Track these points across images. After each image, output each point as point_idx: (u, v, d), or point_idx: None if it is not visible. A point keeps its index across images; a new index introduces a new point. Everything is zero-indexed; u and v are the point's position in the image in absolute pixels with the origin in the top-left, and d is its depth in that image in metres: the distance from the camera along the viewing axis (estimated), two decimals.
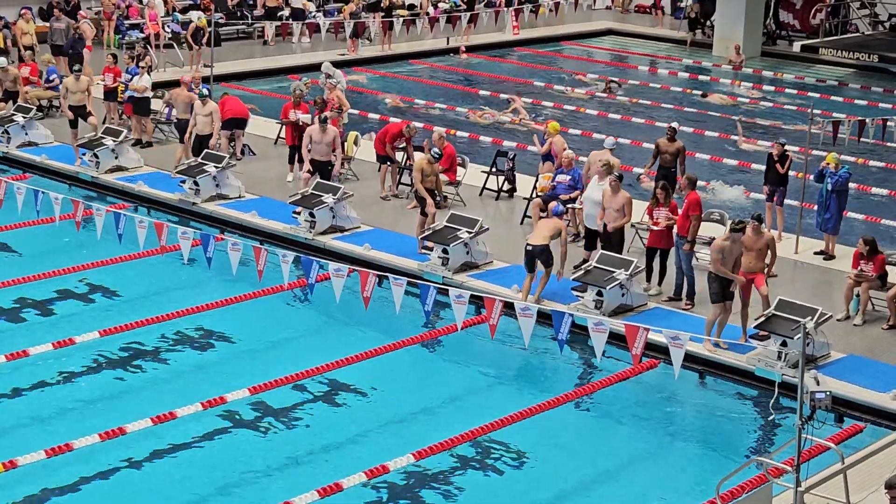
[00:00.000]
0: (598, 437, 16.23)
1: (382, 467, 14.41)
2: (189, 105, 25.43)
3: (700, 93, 35.78)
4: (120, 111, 28.05)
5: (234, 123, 25.90)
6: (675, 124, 23.21)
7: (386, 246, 20.96)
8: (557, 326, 15.55)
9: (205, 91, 25.22)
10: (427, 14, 41.01)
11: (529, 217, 22.19)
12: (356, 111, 30.30)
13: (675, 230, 19.08)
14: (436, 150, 21.80)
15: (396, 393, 17.04)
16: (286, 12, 40.91)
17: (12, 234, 21.87)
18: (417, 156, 22.87)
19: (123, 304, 19.59)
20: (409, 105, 32.50)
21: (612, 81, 35.62)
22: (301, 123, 24.32)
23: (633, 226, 20.43)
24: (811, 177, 21.48)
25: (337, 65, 33.05)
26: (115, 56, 28.49)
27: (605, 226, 19.46)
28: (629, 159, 26.89)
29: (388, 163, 23.91)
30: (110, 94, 27.84)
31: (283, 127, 26.01)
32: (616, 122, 31.78)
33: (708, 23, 43.58)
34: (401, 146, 23.88)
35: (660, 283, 19.41)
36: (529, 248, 18.81)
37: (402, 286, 16.47)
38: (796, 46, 42.17)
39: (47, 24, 34.06)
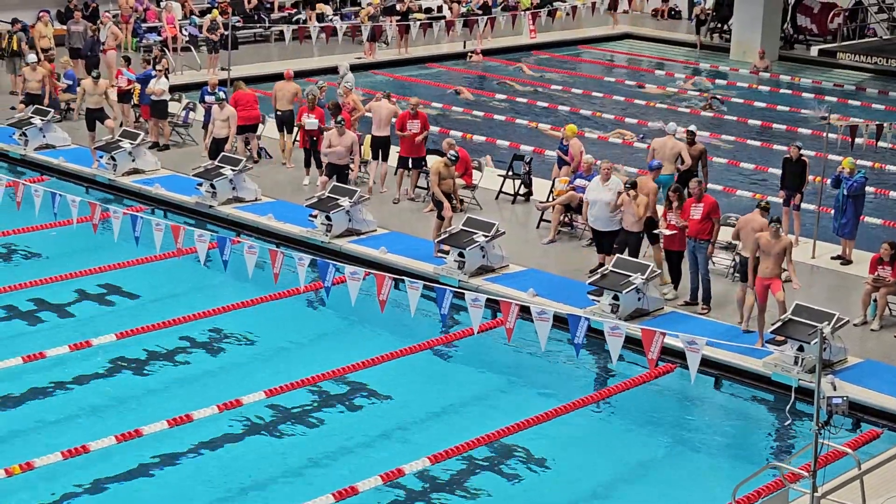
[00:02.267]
0: (613, 441, 16.20)
1: (398, 471, 14.40)
2: (294, 97, 26.23)
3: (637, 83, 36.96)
4: (137, 114, 28.12)
5: (248, 128, 25.97)
6: (692, 127, 23.20)
7: (402, 249, 20.97)
8: (574, 330, 15.53)
9: (221, 94, 25.27)
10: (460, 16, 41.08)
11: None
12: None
13: (686, 233, 19.07)
14: (452, 153, 21.80)
15: (412, 396, 17.04)
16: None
17: (30, 237, 21.93)
18: (434, 159, 22.88)
19: (140, 306, 19.64)
20: (424, 108, 32.41)
21: (715, 98, 34.64)
22: (307, 129, 24.45)
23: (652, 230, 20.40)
24: (828, 181, 21.42)
25: (354, 68, 33.20)
26: (127, 59, 28.54)
27: (621, 229, 19.53)
28: (643, 163, 26.87)
29: (407, 168, 23.95)
30: (124, 96, 27.91)
31: (298, 130, 26.02)
32: (632, 126, 31.71)
33: (725, 27, 43.55)
34: (414, 130, 23.73)
35: (675, 287, 19.38)
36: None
37: (418, 290, 16.45)
38: (814, 51, 42.09)
39: (65, 28, 34.16)
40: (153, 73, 27.28)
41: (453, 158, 21.63)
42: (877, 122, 23.10)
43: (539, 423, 15.72)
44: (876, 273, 18.50)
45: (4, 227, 21.94)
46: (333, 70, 30.77)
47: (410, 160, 23.94)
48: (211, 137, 24.97)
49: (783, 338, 16.92)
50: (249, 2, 41.20)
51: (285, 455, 15.27)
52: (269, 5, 42.13)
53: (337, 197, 21.73)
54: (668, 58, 42.51)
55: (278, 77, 33.87)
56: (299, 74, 35.35)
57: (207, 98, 26.02)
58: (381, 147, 24.25)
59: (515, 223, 22.78)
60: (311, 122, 24.39)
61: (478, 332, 16.90)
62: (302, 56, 37.86)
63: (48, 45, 32.56)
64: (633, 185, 19.42)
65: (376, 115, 24.59)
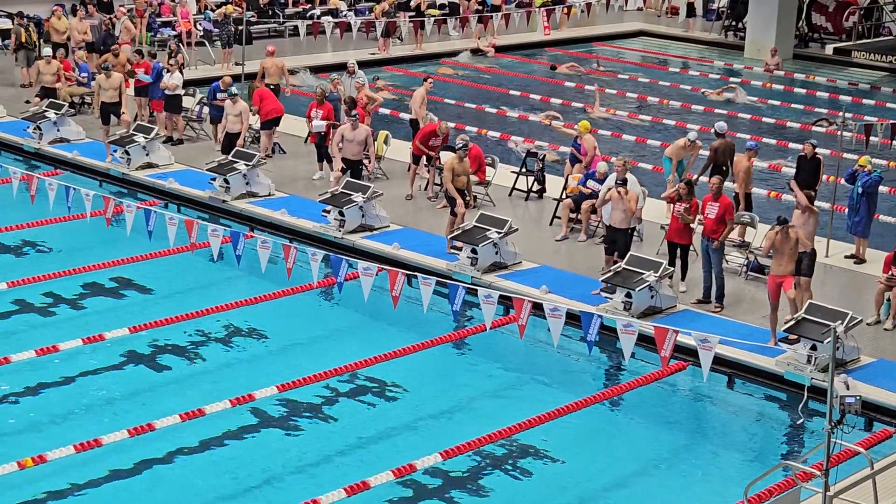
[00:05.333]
0: (625, 438, 16.19)
1: (410, 466, 14.41)
2: (282, 72, 28.30)
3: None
4: (149, 109, 28.12)
5: (275, 121, 26.11)
6: (717, 127, 23.28)
7: (415, 245, 20.97)
8: (586, 328, 15.54)
9: (234, 90, 25.30)
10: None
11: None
12: (387, 110, 30.38)
13: (699, 231, 19.05)
14: (461, 143, 21.80)
15: (424, 392, 17.05)
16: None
17: (44, 230, 21.99)
18: (447, 155, 22.89)
19: (153, 300, 19.67)
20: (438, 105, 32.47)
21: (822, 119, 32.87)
22: (314, 131, 24.60)
23: (662, 227, 20.39)
24: (842, 180, 21.40)
25: (369, 63, 33.36)
26: (140, 52, 28.58)
27: (609, 228, 19.72)
28: (657, 160, 26.85)
29: (425, 163, 24.00)
30: (142, 89, 27.94)
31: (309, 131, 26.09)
32: (646, 123, 31.71)
33: (740, 25, 43.54)
34: (435, 145, 23.85)
35: (682, 279, 19.35)
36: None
37: (431, 286, 16.47)
38: (829, 49, 42.02)
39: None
40: (161, 65, 27.34)
41: (461, 146, 21.61)
42: (892, 121, 23.05)
43: (551, 420, 15.70)
44: (890, 272, 18.44)
45: (18, 220, 21.99)
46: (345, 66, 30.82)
47: (423, 157, 23.97)
48: (224, 132, 24.98)
49: (796, 336, 16.89)
50: None
51: (297, 450, 15.28)
52: (283, 1, 42.14)
53: (350, 192, 21.73)
54: (682, 55, 42.49)
55: (292, 72, 34.02)
56: (313, 70, 35.61)
57: (220, 96, 25.95)
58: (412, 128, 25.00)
59: (528, 220, 22.76)
60: (318, 123, 24.48)
61: (490, 329, 16.91)
62: (316, 51, 37.88)
63: (61, 39, 32.57)
64: (624, 183, 19.44)
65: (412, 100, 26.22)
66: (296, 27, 39.06)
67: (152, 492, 14.20)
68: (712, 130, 23.36)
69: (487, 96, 34.35)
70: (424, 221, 22.44)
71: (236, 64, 32.76)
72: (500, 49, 40.49)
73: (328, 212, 21.83)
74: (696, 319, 18.11)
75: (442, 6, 42.40)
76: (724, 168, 22.31)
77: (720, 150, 22.47)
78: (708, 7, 46.81)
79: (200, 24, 37.53)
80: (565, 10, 43.40)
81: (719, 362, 16.34)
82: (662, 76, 38.63)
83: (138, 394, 16.53)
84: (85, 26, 32.85)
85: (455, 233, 20.45)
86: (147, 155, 25.12)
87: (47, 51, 29.59)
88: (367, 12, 41.92)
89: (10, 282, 19.27)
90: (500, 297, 16.50)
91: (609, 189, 19.66)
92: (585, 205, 21.41)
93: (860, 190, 20.50)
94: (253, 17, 38.29)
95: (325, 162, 24.69)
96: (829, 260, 20.88)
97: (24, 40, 32.01)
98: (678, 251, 19.30)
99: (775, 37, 40.25)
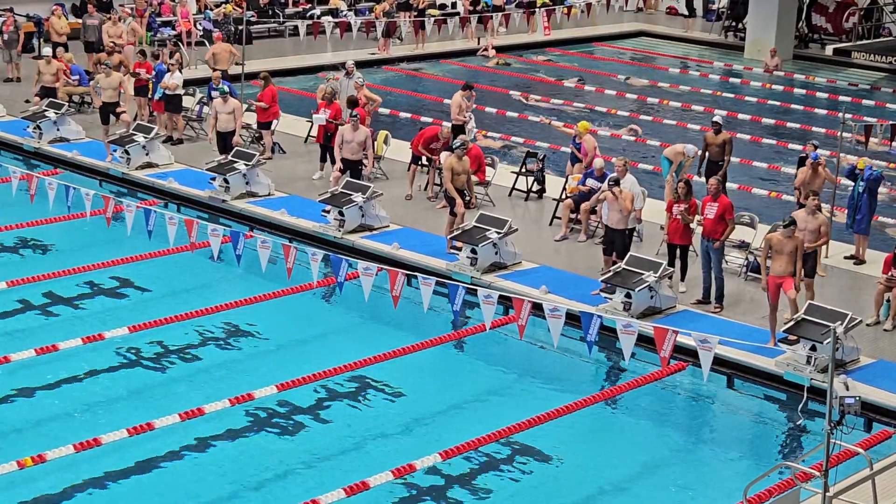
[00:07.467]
0: (625, 439, 16.19)
1: (409, 466, 14.40)
2: (231, 58, 28.90)
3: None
4: (149, 108, 28.09)
5: (269, 124, 26.14)
6: (718, 118, 23.39)
7: (415, 245, 20.96)
8: (586, 328, 15.54)
9: (225, 88, 25.27)
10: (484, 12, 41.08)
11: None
12: (387, 109, 30.36)
13: (699, 232, 19.05)
14: (458, 142, 21.82)
15: (424, 392, 17.05)
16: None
17: (43, 230, 21.99)
18: (446, 155, 22.89)
19: (152, 300, 19.67)
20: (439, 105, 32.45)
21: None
22: (316, 123, 24.67)
23: (662, 227, 20.39)
24: (840, 180, 21.37)
25: (368, 63, 33.32)
26: (143, 53, 28.59)
27: (606, 228, 19.78)
28: (653, 160, 26.86)
29: (419, 164, 24.03)
30: (141, 89, 27.91)
31: (315, 125, 26.10)
32: (647, 123, 31.71)
33: (740, 25, 43.54)
34: (436, 148, 23.86)
35: (682, 279, 19.35)
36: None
37: (431, 286, 16.47)
38: (829, 50, 42.01)
39: (80, 21, 34.19)
40: (163, 66, 27.33)
41: (458, 145, 21.61)
42: (891, 122, 23.05)
43: (550, 420, 15.70)
44: (889, 273, 18.44)
45: (18, 219, 21.98)
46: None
47: (423, 157, 23.99)
48: (215, 131, 24.91)
49: (796, 337, 16.89)
50: None
51: (297, 449, 15.28)
52: (283, 0, 42.12)
53: (350, 192, 21.73)
54: (682, 55, 42.48)
55: (292, 72, 34.00)
56: (313, 70, 35.60)
57: (214, 94, 25.95)
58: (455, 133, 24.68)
59: (528, 220, 22.76)
60: (318, 117, 24.50)
61: (490, 329, 16.90)
62: (315, 51, 37.86)
63: (63, 39, 32.55)
64: (617, 183, 19.46)
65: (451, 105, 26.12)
66: (296, 27, 39.01)
67: (151, 491, 14.20)
68: (711, 131, 23.25)
69: (488, 95, 34.34)
70: (424, 221, 22.44)
71: (236, 64, 32.69)
72: (500, 49, 40.44)
73: (328, 212, 21.82)
74: (695, 320, 18.11)
75: (442, 6, 42.41)
76: (721, 163, 22.40)
77: (727, 146, 22.70)
78: (708, 7, 46.84)
79: (200, 23, 37.49)
80: (565, 10, 43.39)
81: (719, 363, 16.33)
82: (662, 76, 38.60)
83: (138, 393, 16.53)
84: (119, 30, 32.56)
85: (455, 233, 20.45)
86: (147, 154, 25.10)
87: (47, 50, 29.55)
88: (367, 12, 41.90)
89: (9, 281, 19.26)
90: (500, 297, 16.50)
91: (603, 190, 19.68)
92: (585, 205, 21.41)
93: (862, 185, 20.47)
94: (253, 16, 38.27)
95: (325, 162, 24.68)
96: (828, 260, 20.88)
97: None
98: (678, 251, 19.31)
99: (775, 37, 40.25)
